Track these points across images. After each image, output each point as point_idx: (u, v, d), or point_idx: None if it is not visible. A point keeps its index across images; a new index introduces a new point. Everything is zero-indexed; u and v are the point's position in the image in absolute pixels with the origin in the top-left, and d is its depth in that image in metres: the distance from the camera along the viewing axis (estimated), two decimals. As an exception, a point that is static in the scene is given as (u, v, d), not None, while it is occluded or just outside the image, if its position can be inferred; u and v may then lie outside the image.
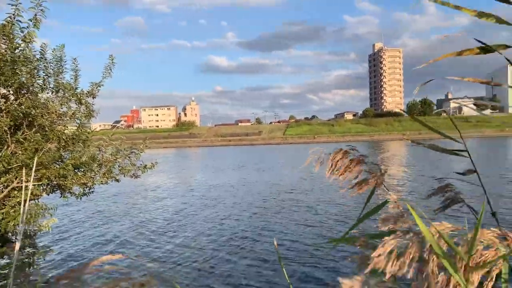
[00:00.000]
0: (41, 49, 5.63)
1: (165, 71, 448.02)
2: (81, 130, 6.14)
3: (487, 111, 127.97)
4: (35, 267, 5.62)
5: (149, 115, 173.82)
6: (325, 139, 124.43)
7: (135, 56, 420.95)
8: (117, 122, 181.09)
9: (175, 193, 20.68)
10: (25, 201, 4.47)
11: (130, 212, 15.67)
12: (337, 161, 1.42)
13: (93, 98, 6.29)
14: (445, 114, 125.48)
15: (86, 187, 6.08)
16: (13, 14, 4.89)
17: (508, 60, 1.03)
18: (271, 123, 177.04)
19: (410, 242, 0.90)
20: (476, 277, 0.88)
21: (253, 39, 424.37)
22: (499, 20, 0.98)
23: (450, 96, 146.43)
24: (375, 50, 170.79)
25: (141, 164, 6.59)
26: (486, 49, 1.01)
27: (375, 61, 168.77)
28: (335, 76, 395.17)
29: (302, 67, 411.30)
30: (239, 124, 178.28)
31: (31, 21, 5.08)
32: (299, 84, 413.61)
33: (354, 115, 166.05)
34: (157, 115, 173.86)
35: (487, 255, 0.91)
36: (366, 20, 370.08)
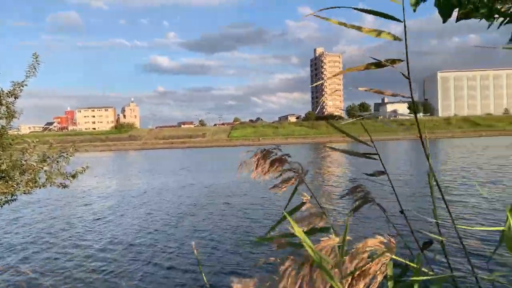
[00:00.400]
0: None
1: (103, 70, 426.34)
2: (1, 134, 5.74)
3: (420, 115, 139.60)
4: None
5: (85, 116, 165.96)
6: (269, 141, 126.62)
7: (70, 54, 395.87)
8: (50, 124, 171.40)
9: (104, 199, 20.06)
10: None
11: (50, 220, 14.82)
12: (260, 161, 1.45)
13: (15, 98, 5.91)
14: (381, 118, 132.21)
15: (6, 197, 5.66)
16: None
17: (402, 74, 1.11)
18: (215, 125, 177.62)
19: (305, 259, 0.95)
20: (361, 284, 0.93)
21: (196, 39, 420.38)
22: (394, 37, 1.07)
23: (386, 100, 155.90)
24: (316, 55, 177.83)
25: (70, 173, 6.22)
26: (380, 65, 1.08)
27: (316, 65, 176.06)
28: (279, 79, 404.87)
29: (246, 69, 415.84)
30: (182, 126, 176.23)
31: None
32: (244, 86, 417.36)
33: (297, 118, 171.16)
34: (94, 116, 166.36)
35: (370, 261, 0.96)
36: (307, 25, 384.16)
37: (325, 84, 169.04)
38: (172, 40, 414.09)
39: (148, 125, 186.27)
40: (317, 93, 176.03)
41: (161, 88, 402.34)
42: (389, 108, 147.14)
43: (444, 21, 1.06)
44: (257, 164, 1.45)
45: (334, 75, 1.30)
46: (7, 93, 5.84)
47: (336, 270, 0.98)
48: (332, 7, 1.10)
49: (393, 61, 1.08)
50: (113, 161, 61.47)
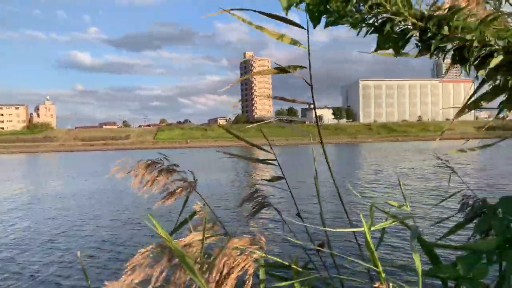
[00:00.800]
0: None
1: (13, 65, 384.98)
2: None
3: (343, 120, 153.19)
4: None
5: None
6: (198, 144, 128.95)
7: None
8: None
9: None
10: None
11: None
12: (145, 172, 1.41)
13: None
14: (308, 122, 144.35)
15: None
16: None
17: (305, 80, 1.24)
18: (140, 126, 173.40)
19: (163, 254, 1.02)
20: (229, 280, 1.00)
21: (120, 36, 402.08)
22: (295, 42, 1.14)
23: (312, 106, 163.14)
24: (246, 58, 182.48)
25: None
26: (283, 70, 1.16)
27: (246, 68, 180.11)
28: (208, 81, 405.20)
29: (174, 69, 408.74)
30: (104, 127, 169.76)
31: None
32: (171, 87, 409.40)
33: (226, 121, 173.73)
34: (2, 115, 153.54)
35: (239, 259, 1.02)
36: (236, 28, 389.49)
37: (254, 88, 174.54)
38: (94, 36, 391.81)
39: (66, 125, 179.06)
40: (246, 97, 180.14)
41: (81, 86, 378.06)
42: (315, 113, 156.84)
43: (314, 27, 1.05)
44: (140, 177, 1.41)
45: (239, 80, 1.43)
46: None
47: (203, 266, 1.05)
48: (234, 9, 1.14)
49: (297, 68, 1.16)
50: (23, 164, 58.65)
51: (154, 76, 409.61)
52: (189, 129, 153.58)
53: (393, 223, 1.18)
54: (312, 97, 1.37)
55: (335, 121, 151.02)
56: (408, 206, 1.39)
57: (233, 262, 1.03)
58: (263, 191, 1.59)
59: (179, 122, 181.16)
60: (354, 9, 1.01)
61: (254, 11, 1.13)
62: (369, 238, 1.00)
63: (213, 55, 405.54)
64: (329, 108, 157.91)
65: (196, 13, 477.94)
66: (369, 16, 1.01)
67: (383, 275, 0.98)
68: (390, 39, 1.01)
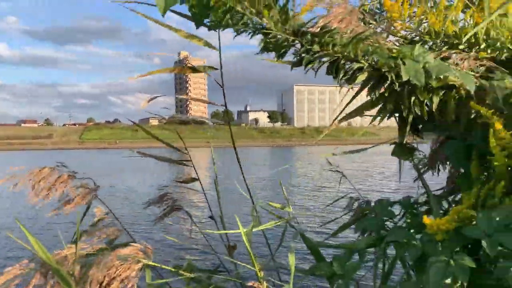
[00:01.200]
0: None
1: None
2: None
3: (278, 124, 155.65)
4: None
5: None
6: (128, 145, 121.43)
7: None
8: None
9: None
10: None
11: None
12: (40, 180, 1.34)
13: None
14: (244, 124, 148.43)
15: None
16: None
17: (216, 82, 1.34)
18: (64, 125, 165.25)
19: (36, 270, 1.00)
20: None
21: (43, 29, 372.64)
22: (207, 44, 1.18)
23: (248, 108, 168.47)
24: (181, 58, 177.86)
25: None
26: (195, 69, 1.17)
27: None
28: (140, 80, 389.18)
29: (103, 66, 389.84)
30: (23, 125, 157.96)
31: None
32: (100, 84, 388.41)
33: (159, 121, 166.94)
34: None
35: (120, 269, 1.01)
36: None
37: (189, 88, 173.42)
38: (13, 26, 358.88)
39: None
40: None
41: None
42: (251, 116, 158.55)
43: (196, 27, 1.06)
44: (35, 183, 1.34)
45: (149, 74, 1.37)
46: None
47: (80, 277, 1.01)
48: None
49: (210, 68, 1.17)
50: None
51: (81, 72, 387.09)
52: (119, 129, 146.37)
53: (276, 224, 1.22)
54: (224, 97, 1.40)
55: (271, 124, 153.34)
56: (291, 207, 1.42)
57: (115, 272, 1.01)
58: (174, 193, 1.56)
59: (108, 122, 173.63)
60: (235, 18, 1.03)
61: (149, 4, 1.08)
62: (245, 240, 1.05)
63: (145, 53, 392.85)
64: (264, 111, 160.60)
65: (126, 8, 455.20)
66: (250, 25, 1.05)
67: (261, 274, 1.04)
68: (270, 48, 1.06)
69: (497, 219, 0.90)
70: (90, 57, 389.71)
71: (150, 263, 1.08)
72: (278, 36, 1.04)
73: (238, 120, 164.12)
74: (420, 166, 1.35)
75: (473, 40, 1.17)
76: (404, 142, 1.23)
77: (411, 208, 1.24)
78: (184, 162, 1.58)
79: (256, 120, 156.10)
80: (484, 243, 0.88)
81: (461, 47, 1.16)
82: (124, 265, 1.03)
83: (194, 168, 1.54)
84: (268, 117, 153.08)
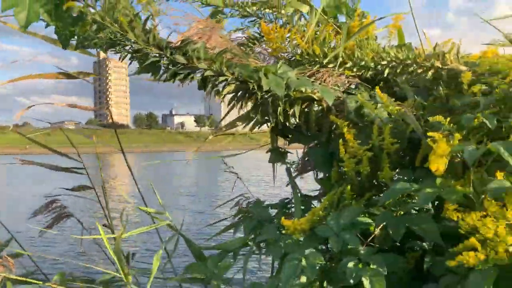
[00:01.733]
0: None
1: None
2: None
3: (206, 128, 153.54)
4: None
5: None
6: (41, 150, 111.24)
7: None
8: None
9: None
10: None
11: None
12: None
13: None
14: (169, 128, 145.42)
15: None
16: None
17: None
18: None
19: None
20: None
21: None
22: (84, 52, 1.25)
23: (174, 112, 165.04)
24: (100, 58, 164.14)
25: None
26: (67, 74, 1.24)
27: (100, 69, 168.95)
28: (54, 80, 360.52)
29: (12, 64, 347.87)
30: None
31: None
32: (7, 84, 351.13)
33: (75, 125, 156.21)
34: None
35: None
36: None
37: (110, 90, 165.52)
38: None
39: None
40: (100, 100, 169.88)
41: None
42: (177, 120, 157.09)
43: (63, 48, 1.13)
44: None
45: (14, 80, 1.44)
46: None
47: None
48: None
49: (89, 75, 1.22)
50: None
51: None
52: (29, 133, 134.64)
53: (154, 227, 1.29)
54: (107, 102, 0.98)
55: (198, 128, 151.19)
56: (166, 212, 1.48)
57: None
58: (61, 201, 1.52)
59: (16, 125, 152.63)
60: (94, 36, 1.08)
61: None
62: (108, 245, 1.13)
63: (60, 52, 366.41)
64: (191, 115, 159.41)
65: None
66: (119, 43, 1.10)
67: (129, 279, 1.12)
68: (145, 68, 1.14)
69: (344, 220, 0.99)
70: None
71: (11, 276, 1.10)
72: (144, 51, 1.10)
73: (163, 124, 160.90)
74: (293, 170, 1.46)
75: (341, 59, 1.29)
76: (277, 147, 1.34)
77: (284, 208, 1.34)
78: (76, 170, 1.54)
79: (182, 124, 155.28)
80: (331, 240, 0.96)
81: (330, 65, 1.28)
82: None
83: (89, 177, 1.52)
84: (195, 121, 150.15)
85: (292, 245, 1.03)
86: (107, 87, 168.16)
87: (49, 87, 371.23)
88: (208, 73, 1.12)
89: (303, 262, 0.95)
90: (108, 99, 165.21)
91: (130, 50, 1.16)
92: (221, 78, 1.15)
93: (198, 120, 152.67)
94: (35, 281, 1.17)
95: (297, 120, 1.25)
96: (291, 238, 1.04)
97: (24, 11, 0.97)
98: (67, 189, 1.62)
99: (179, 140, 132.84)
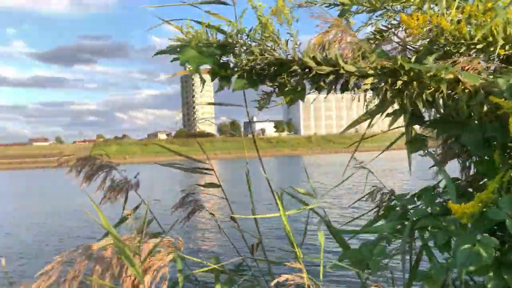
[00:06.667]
0: None
1: None
2: None
3: (285, 133, 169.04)
4: None
5: None
6: (137, 160, 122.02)
7: None
8: None
9: None
10: None
11: None
12: (83, 166, 1.63)
13: None
14: (250, 136, 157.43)
15: None
16: None
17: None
18: (74, 142, 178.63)
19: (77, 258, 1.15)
20: (148, 277, 1.18)
21: (49, 50, 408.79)
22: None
23: (255, 119, 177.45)
24: (187, 71, 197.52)
25: None
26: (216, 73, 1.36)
27: (187, 82, 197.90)
28: (146, 95, 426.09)
29: (109, 83, 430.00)
30: (34, 144, 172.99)
31: None
32: (107, 102, 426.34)
33: (167, 135, 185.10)
34: None
35: (156, 258, 1.22)
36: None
37: (196, 101, 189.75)
38: (19, 50, 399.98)
39: None
40: (188, 110, 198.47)
41: (3, 101, 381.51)
42: (258, 126, 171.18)
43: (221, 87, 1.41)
44: (79, 173, 1.61)
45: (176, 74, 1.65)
46: None
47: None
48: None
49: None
50: None
51: (88, 91, 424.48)
52: (127, 144, 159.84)
53: (303, 209, 1.47)
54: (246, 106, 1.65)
55: (277, 134, 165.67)
56: (316, 195, 1.64)
57: (148, 262, 1.18)
58: (196, 196, 1.82)
59: (116, 138, 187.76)
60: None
61: (195, 21, 1.34)
62: (285, 220, 1.31)
63: (149, 69, 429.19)
64: (270, 121, 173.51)
65: (131, 25, 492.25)
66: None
67: (300, 254, 1.25)
68: (293, 90, 1.34)
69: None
70: (97, 76, 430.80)
71: (181, 255, 1.28)
72: (315, 71, 1.29)
73: (245, 131, 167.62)
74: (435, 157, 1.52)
75: (491, 39, 1.29)
76: (417, 135, 1.45)
77: (433, 196, 1.39)
78: (205, 171, 1.81)
79: (262, 131, 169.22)
80: (508, 223, 1.01)
81: (479, 46, 1.30)
82: (157, 256, 1.21)
83: (216, 176, 1.80)
84: (274, 127, 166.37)
85: (459, 230, 1.13)
86: (193, 98, 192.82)
87: (141, 102, 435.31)
88: (353, 72, 1.26)
89: (477, 246, 1.02)
90: (194, 110, 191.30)
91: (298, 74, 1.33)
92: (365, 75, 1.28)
93: (278, 126, 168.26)
94: (201, 260, 1.40)
95: (440, 108, 1.34)
96: (456, 223, 1.14)
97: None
98: (198, 185, 1.91)
99: (261, 146, 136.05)
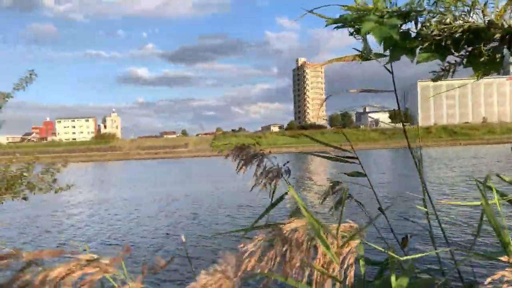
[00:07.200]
0: None
1: (84, 82, 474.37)
2: None
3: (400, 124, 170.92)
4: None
5: (65, 127, 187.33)
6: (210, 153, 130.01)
7: (45, 66, 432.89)
8: (28, 134, 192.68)
9: (87, 208, 22.86)
10: None
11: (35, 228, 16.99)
12: (239, 155, 1.73)
13: None
14: (363, 127, 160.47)
15: None
16: None
17: (387, 69, 1.39)
18: (197, 135, 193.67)
19: (276, 237, 1.15)
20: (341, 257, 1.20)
21: (175, 50, 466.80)
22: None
23: (368, 109, 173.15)
24: (299, 65, 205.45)
25: (54, 185, 6.91)
26: (363, 57, 1.30)
27: (298, 75, 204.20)
28: (260, 90, 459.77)
29: (226, 80, 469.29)
30: (165, 136, 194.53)
31: None
32: (224, 97, 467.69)
33: (279, 128, 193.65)
34: (74, 127, 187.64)
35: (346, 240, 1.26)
36: (286, 36, 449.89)
37: (307, 93, 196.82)
38: (151, 51, 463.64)
39: (129, 135, 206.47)
40: (299, 103, 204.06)
41: (141, 99, 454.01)
42: (371, 117, 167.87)
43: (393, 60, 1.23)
44: (235, 158, 1.72)
45: (323, 64, 1.61)
46: None
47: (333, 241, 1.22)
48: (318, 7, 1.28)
49: (379, 55, 1.27)
50: (92, 172, 67.29)
51: (208, 87, 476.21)
52: (243, 136, 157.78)
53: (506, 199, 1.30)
54: (396, 96, 1.61)
55: (392, 125, 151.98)
56: None
57: (338, 247, 1.20)
58: (343, 185, 1.80)
59: (233, 131, 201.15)
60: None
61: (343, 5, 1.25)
62: (487, 210, 1.16)
63: (263, 64, 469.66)
64: (385, 111, 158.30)
65: (246, 23, 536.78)
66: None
67: None
68: (488, 61, 1.14)
69: None
70: (215, 73, 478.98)
71: (364, 241, 1.30)
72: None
73: (357, 122, 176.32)
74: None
75: None
76: None
77: None
78: (350, 160, 1.80)
79: (376, 122, 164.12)
80: None
81: None
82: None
83: (361, 165, 1.76)
84: (389, 117, 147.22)
85: None
86: (305, 90, 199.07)
87: (255, 96, 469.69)
88: None
89: None
90: (305, 102, 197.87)
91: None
92: None
93: (393, 116, 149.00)
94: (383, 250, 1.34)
95: None
96: None
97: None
98: (345, 173, 1.90)
99: (373, 138, 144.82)
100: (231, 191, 26.63)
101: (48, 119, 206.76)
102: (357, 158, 1.79)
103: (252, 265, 1.03)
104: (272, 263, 1.10)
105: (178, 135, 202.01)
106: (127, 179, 46.52)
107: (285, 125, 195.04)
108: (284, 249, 1.13)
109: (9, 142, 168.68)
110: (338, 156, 1.81)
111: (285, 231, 1.15)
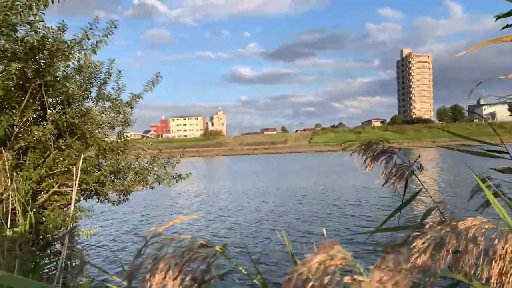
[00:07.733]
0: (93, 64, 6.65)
1: (191, 82, 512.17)
2: (120, 139, 7.14)
3: None
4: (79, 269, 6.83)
5: (177, 124, 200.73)
6: (351, 148, 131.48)
7: (160, 68, 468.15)
8: (147, 132, 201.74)
9: (201, 198, 25.11)
10: (69, 204, 5.50)
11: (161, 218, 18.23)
12: (366, 150, 1.65)
13: (131, 108, 7.39)
14: (477, 121, 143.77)
15: (122, 194, 7.01)
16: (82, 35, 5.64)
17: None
18: (296, 131, 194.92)
19: (449, 233, 1.03)
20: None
21: (275, 48, 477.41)
22: None
23: (482, 102, 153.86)
24: (403, 56, 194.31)
25: (175, 174, 7.70)
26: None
27: (403, 67, 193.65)
28: (360, 83, 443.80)
29: (325, 75, 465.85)
30: (265, 132, 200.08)
31: (92, 45, 5.83)
32: (323, 92, 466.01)
33: (382, 122, 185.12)
34: (185, 124, 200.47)
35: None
36: (388, 27, 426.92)
37: (413, 86, 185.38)
38: (252, 50, 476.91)
39: (233, 132, 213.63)
40: (404, 96, 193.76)
41: (243, 97, 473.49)
42: (486, 110, 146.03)
43: None
44: (362, 154, 1.65)
45: (473, 49, 1.41)
46: (125, 103, 7.22)
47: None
48: None
49: None
50: (204, 165, 72.46)
51: (307, 83, 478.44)
52: (342, 132, 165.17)
53: None
54: None
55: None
56: None
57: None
58: (492, 181, 1.59)
59: (332, 126, 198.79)
60: None
61: None
62: None
63: (364, 57, 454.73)
64: (504, 103, 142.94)
65: (345, 16, 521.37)
66: None
67: None
68: None
69: None
70: (314, 68, 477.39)
71: None
72: None
73: (470, 116, 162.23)
74: None
75: None
76: None
77: None
78: (498, 154, 1.63)
79: (492, 115, 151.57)
80: None
81: None
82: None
83: None
84: (509, 109, 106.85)
85: None
86: (410, 83, 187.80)
87: (355, 90, 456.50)
88: None
89: None
90: (411, 95, 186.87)
91: None
92: None
93: None
94: None
95: None
96: None
97: None
98: (494, 169, 1.73)
99: (489, 133, 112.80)
100: (335, 188, 27.33)
101: (163, 117, 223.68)
102: (507, 152, 1.64)
103: (424, 262, 0.95)
104: (443, 261, 1.01)
105: (278, 131, 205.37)
106: (235, 172, 50.94)
107: (388, 120, 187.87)
108: (459, 247, 1.04)
109: (132, 139, 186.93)
110: (488, 151, 1.69)
111: (459, 228, 1.06)
